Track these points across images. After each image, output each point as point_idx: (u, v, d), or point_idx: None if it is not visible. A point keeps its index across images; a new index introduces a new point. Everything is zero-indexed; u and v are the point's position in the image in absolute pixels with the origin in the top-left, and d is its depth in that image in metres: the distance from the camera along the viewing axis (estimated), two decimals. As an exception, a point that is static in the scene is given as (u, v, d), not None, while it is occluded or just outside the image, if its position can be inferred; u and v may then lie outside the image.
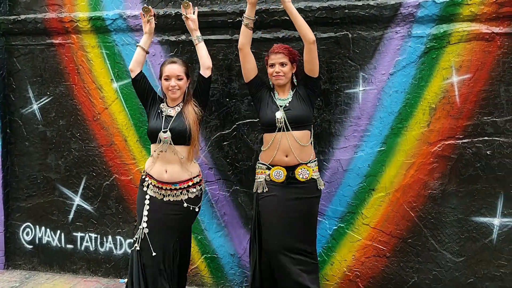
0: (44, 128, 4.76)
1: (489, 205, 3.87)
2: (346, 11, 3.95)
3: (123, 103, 4.52)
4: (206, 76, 3.59)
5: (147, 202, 3.52)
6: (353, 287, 4.11)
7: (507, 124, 3.80)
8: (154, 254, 3.45)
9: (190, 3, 3.69)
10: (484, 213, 3.88)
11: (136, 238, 3.51)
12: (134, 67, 3.68)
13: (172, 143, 3.48)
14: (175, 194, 3.51)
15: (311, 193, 3.53)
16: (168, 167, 3.51)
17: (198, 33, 3.68)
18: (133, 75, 3.69)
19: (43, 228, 4.83)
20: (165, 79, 3.57)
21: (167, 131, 3.48)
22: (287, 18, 3.99)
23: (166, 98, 3.68)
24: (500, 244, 3.86)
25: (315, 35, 3.99)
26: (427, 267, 3.96)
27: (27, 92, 4.77)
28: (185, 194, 3.52)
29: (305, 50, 3.50)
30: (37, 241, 4.85)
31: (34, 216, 4.85)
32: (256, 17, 3.68)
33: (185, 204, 3.51)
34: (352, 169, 4.05)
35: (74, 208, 4.73)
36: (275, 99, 3.58)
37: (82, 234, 4.72)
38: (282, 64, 3.52)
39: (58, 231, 4.79)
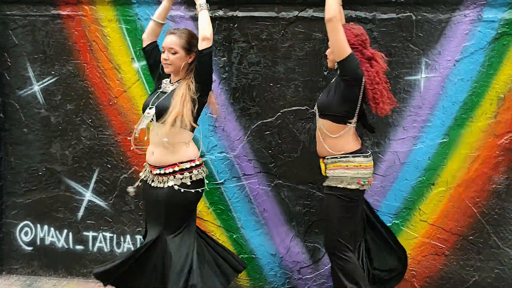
0: (47, 112, 4.11)
1: (555, 201, 3.72)
2: (411, -10, 3.62)
3: (146, 85, 3.97)
4: (201, 49, 3.01)
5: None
6: (408, 287, 3.87)
7: None
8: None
9: None
10: (550, 209, 3.73)
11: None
12: (147, 36, 3.28)
13: (155, 121, 3.07)
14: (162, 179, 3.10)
15: None
16: (155, 149, 3.13)
17: (202, 1, 3.07)
18: (144, 44, 3.29)
19: (45, 227, 4.22)
20: (162, 51, 3.14)
21: (152, 107, 3.08)
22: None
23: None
24: None
25: (374, 16, 3.69)
26: (489, 265, 3.78)
27: (26, 71, 4.09)
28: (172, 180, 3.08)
29: None
30: (38, 242, 4.23)
31: (35, 213, 4.21)
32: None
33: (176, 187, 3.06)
34: (410, 162, 3.77)
35: (84, 204, 4.16)
36: None
37: (95, 234, 4.16)
38: None
39: (65, 230, 4.20)
